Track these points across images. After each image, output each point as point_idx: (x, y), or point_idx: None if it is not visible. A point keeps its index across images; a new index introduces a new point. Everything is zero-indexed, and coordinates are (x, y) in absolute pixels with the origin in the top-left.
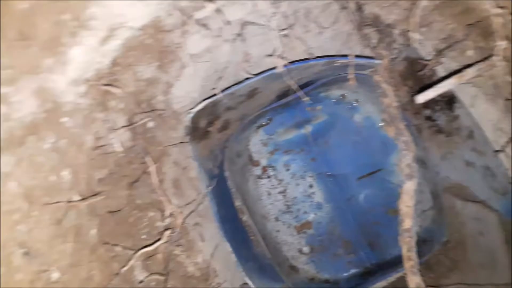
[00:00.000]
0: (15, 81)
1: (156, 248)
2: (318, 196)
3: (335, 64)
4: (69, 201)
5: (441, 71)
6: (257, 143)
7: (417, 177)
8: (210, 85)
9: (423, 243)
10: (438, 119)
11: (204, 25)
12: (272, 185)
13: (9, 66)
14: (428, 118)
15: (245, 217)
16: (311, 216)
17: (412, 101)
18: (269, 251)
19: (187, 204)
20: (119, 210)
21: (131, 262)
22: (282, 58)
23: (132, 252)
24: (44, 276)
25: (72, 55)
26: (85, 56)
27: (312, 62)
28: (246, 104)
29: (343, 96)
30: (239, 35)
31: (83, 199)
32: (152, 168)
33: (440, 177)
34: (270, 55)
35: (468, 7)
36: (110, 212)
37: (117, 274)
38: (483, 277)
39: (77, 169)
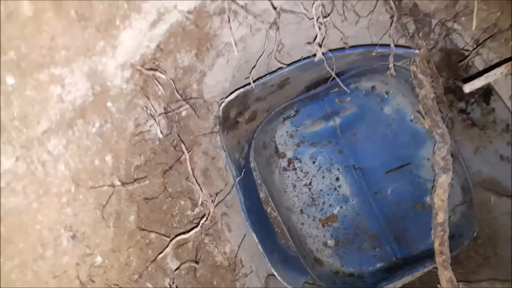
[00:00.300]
0: (69, 62)
1: (189, 237)
2: (345, 189)
3: (372, 54)
4: (112, 186)
5: (479, 63)
6: (283, 134)
7: (452, 170)
8: (242, 75)
9: (451, 238)
10: (472, 112)
11: (243, 12)
12: (298, 177)
13: (65, 47)
14: (462, 111)
15: (270, 209)
16: (336, 209)
17: (445, 93)
18: (293, 243)
19: (216, 194)
20: (153, 198)
21: (167, 250)
22: (320, 46)
23: (167, 239)
24: (89, 260)
25: (122, 38)
26: (134, 40)
27: (348, 52)
28: (276, 94)
29: (373, 87)
30: (274, 23)
31: (123, 184)
32: (187, 157)
33: (472, 171)
34: (309, 43)
35: None
36: (146, 199)
37: (153, 261)
38: None
39: (118, 154)
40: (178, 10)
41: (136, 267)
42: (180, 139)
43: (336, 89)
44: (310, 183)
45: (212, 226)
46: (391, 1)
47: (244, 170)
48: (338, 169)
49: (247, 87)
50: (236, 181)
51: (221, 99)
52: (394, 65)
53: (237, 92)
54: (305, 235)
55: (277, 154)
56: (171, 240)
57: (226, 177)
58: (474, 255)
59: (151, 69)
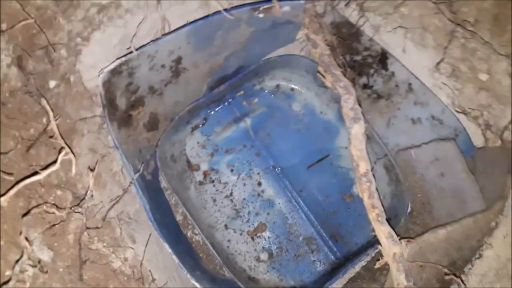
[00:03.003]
0: None
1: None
2: (268, 193)
3: (259, 15)
4: None
5: (369, 29)
6: (194, 146)
7: (363, 119)
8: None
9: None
10: (375, 84)
11: None
12: (217, 190)
13: None
14: (365, 86)
15: (190, 233)
16: (263, 217)
17: (345, 69)
18: (224, 264)
19: (111, 200)
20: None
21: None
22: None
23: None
24: None
25: None
26: None
27: (235, 11)
28: (173, 88)
29: (278, 86)
30: None
31: None
32: (53, 123)
33: (390, 147)
34: None
35: None
36: None
37: None
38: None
39: None
40: None
41: None
42: (42, 94)
43: (241, 92)
44: (231, 194)
45: (102, 226)
46: None
47: (153, 189)
48: (258, 173)
49: (129, 55)
50: (135, 177)
51: (100, 70)
52: (289, 56)
53: (119, 60)
54: (233, 253)
55: (190, 167)
56: (17, 182)
57: (121, 182)
58: (412, 226)
59: None
